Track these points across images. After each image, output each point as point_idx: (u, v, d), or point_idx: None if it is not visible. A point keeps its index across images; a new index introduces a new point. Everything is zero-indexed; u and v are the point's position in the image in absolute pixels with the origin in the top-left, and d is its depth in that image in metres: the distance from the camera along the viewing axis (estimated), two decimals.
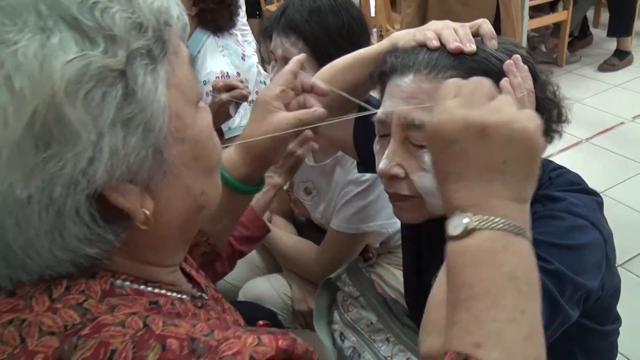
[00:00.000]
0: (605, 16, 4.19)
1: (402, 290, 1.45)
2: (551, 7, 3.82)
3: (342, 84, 0.95)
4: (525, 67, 0.81)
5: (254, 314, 1.44)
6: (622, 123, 3.17)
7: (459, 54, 0.81)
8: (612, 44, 3.90)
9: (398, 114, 0.82)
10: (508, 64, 0.80)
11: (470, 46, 0.81)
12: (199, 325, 0.49)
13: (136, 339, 0.46)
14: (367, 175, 1.35)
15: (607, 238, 0.83)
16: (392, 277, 1.50)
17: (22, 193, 0.45)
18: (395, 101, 0.83)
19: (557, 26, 3.83)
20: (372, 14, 3.59)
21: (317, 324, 1.40)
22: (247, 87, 1.48)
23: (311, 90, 0.86)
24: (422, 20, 2.35)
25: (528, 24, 3.48)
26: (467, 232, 0.55)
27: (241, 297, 1.58)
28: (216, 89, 1.48)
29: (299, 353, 0.50)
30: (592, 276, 0.80)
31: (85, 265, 0.50)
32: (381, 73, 0.88)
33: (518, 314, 0.53)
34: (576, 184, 0.88)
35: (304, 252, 1.51)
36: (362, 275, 1.43)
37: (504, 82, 0.79)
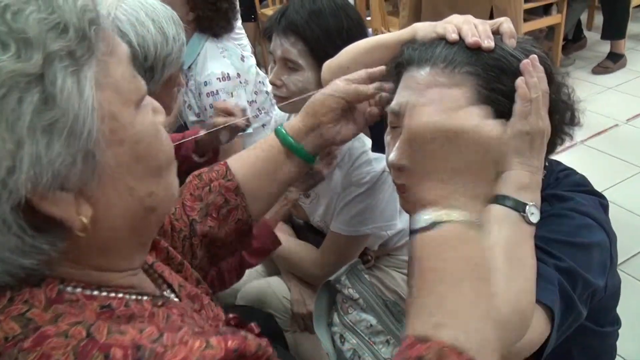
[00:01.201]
0: (598, 19, 4.22)
1: (401, 292, 1.45)
2: (545, 11, 3.84)
3: (362, 65, 0.98)
4: (542, 67, 0.81)
5: (252, 317, 1.44)
6: (617, 125, 3.18)
7: (476, 50, 0.81)
8: (605, 47, 3.92)
9: (411, 105, 0.82)
10: (525, 63, 0.80)
11: (489, 42, 0.81)
12: (148, 329, 0.49)
13: (79, 349, 0.45)
14: (367, 178, 1.36)
15: (612, 239, 0.85)
16: (391, 279, 1.50)
17: None
18: (409, 93, 0.83)
19: (551, 29, 3.84)
20: (368, 17, 3.60)
21: (317, 327, 1.39)
22: (248, 120, 1.47)
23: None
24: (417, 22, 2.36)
25: (522, 27, 3.50)
26: (432, 225, 0.63)
27: (239, 300, 1.58)
28: (217, 109, 1.47)
29: (251, 350, 0.50)
30: (599, 275, 0.81)
31: (22, 276, 0.49)
32: (398, 64, 0.88)
33: (476, 296, 0.60)
34: (582, 185, 0.89)
35: (304, 254, 1.51)
36: (362, 278, 1.43)
37: (520, 81, 0.79)
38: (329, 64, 1.06)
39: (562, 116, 0.86)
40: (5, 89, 0.43)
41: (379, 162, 1.34)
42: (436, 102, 0.78)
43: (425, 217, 0.63)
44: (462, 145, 0.64)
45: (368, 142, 1.18)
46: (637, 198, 2.56)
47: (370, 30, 3.61)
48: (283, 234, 1.60)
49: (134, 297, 0.57)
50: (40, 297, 0.49)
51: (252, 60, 2.09)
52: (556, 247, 0.79)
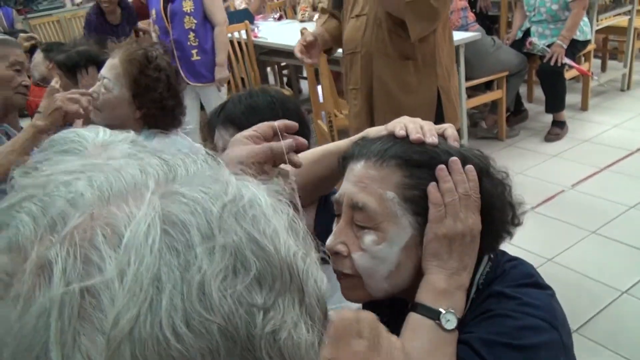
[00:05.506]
0: (537, 91, 4.47)
1: None
2: (487, 86, 4.05)
3: (310, 174, 1.02)
4: (468, 169, 0.82)
5: None
6: (563, 191, 3.30)
7: (408, 145, 0.85)
8: (547, 117, 4.14)
9: (347, 196, 0.86)
10: (440, 168, 0.82)
11: (432, 139, 0.85)
12: None
13: None
14: None
15: (563, 334, 0.80)
16: None
17: None
18: (347, 184, 0.88)
19: (495, 104, 4.04)
20: (321, 100, 3.72)
21: None
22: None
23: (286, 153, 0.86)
24: (370, 108, 2.32)
25: (466, 103, 3.68)
26: None
27: None
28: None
29: None
30: None
31: None
32: (343, 158, 0.93)
33: None
34: (529, 277, 0.86)
35: None
36: None
37: (431, 186, 0.82)
38: None
39: (502, 213, 0.86)
40: None
41: None
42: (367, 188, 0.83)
43: None
44: None
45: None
46: (588, 261, 2.61)
47: (323, 113, 3.72)
48: None
49: None
50: None
51: (202, 151, 2.12)
52: (497, 350, 0.75)
